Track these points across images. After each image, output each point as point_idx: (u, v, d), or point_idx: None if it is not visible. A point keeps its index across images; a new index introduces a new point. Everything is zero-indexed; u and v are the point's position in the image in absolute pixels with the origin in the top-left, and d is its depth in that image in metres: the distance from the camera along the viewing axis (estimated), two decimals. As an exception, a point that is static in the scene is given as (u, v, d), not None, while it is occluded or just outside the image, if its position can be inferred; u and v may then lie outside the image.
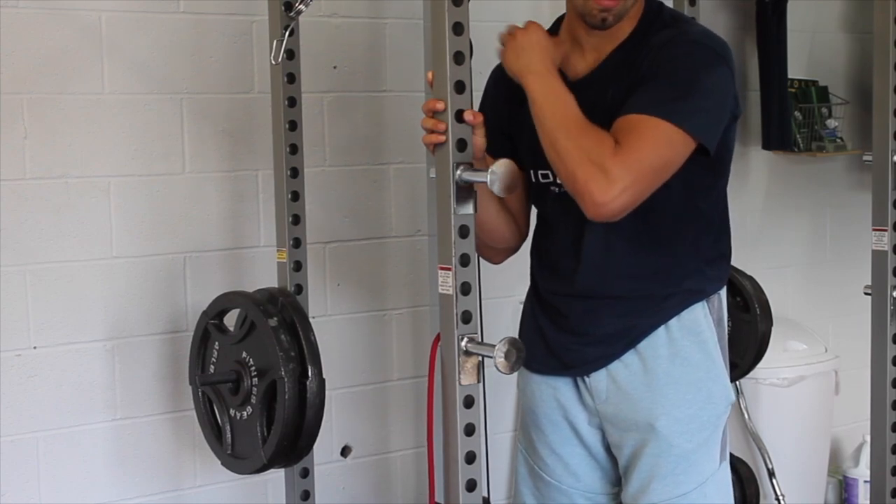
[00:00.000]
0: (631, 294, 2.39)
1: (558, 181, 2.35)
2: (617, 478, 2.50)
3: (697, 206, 2.38)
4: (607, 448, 2.49)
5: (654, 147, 2.20)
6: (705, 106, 2.25)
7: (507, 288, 3.04)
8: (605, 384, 2.42)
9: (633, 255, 2.37)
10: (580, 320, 2.44)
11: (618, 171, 2.16)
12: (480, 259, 2.44)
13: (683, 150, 2.24)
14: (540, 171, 2.45)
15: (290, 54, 2.88)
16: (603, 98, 2.31)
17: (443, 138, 2.17)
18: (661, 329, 2.39)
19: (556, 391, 2.50)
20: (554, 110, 2.23)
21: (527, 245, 2.59)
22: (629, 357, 2.40)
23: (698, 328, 2.39)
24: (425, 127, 2.21)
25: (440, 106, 2.18)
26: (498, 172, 2.13)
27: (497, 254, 2.57)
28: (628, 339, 2.40)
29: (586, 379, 2.44)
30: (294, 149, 2.92)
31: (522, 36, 2.29)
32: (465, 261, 2.17)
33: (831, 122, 4.28)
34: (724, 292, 2.47)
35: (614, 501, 2.52)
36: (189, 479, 3.25)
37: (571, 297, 2.44)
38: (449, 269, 2.17)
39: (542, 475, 2.57)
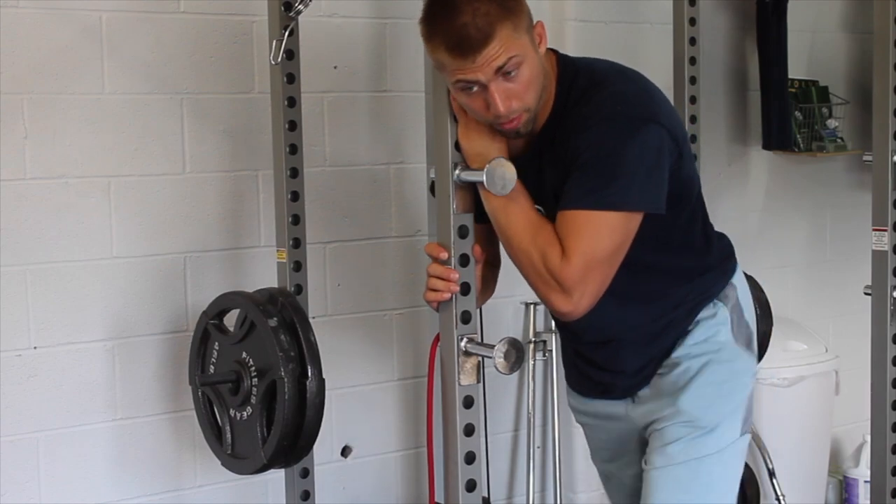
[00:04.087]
0: (642, 334, 2.42)
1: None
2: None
3: (674, 240, 2.38)
4: (639, 434, 2.53)
5: (597, 241, 2.19)
6: (637, 177, 2.20)
7: (507, 288, 3.01)
8: (646, 392, 2.47)
9: (630, 308, 2.39)
10: (606, 362, 2.48)
11: (569, 281, 2.18)
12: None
13: (629, 229, 2.23)
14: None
15: (290, 54, 2.88)
16: (542, 180, 2.29)
17: (448, 295, 2.16)
18: (680, 340, 2.42)
19: (592, 406, 2.57)
20: (510, 218, 2.22)
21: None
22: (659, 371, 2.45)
23: (710, 321, 2.42)
24: (433, 274, 2.18)
25: (444, 255, 2.17)
26: (495, 171, 2.14)
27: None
28: (655, 362, 2.44)
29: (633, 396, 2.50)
30: (294, 149, 2.93)
31: (476, 121, 2.21)
32: (464, 261, 2.17)
33: (831, 122, 4.27)
34: (737, 279, 2.47)
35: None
36: (189, 479, 3.25)
37: (590, 344, 2.49)
38: (449, 270, 2.19)
39: (596, 462, 2.68)
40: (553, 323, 2.66)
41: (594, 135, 2.20)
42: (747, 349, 2.47)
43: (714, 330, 2.42)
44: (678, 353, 2.41)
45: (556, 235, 2.20)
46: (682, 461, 2.39)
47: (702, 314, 2.41)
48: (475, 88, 2.14)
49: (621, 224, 2.21)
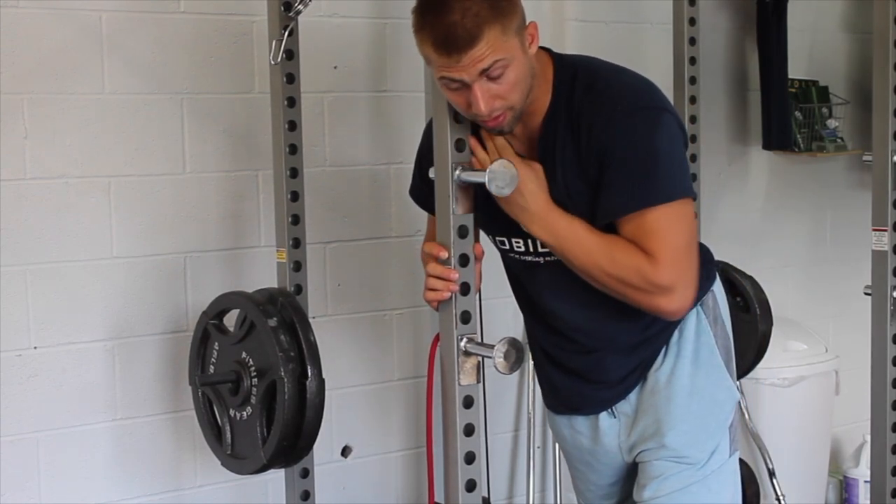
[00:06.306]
0: (630, 341, 2.41)
1: (517, 248, 2.37)
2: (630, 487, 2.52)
3: None
4: (625, 463, 2.51)
5: (676, 232, 2.21)
6: (674, 163, 2.23)
7: (507, 288, 3.02)
8: (630, 406, 2.45)
9: (622, 314, 2.35)
10: (590, 371, 2.46)
11: (668, 280, 2.20)
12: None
13: (691, 211, 2.26)
14: (497, 238, 2.45)
15: (290, 54, 2.88)
16: (552, 179, 2.26)
17: (447, 295, 2.15)
18: (662, 349, 2.41)
19: (573, 428, 2.54)
20: (574, 253, 2.23)
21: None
22: (640, 383, 2.43)
23: (694, 334, 2.41)
24: (432, 273, 2.16)
25: (444, 255, 2.15)
26: (496, 171, 2.13)
27: None
28: (639, 371, 2.43)
29: (610, 409, 2.47)
30: (294, 149, 2.93)
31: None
32: (464, 261, 2.17)
33: (831, 122, 4.28)
34: (716, 287, 2.47)
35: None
36: (189, 479, 3.25)
37: (573, 353, 2.46)
38: (449, 270, 2.18)
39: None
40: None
41: (620, 134, 2.20)
42: (727, 364, 2.46)
43: (695, 338, 2.40)
44: (661, 370, 2.40)
45: (628, 244, 2.20)
46: (679, 489, 2.39)
47: (685, 320, 2.40)
48: (459, 85, 2.14)
49: (684, 209, 2.23)
